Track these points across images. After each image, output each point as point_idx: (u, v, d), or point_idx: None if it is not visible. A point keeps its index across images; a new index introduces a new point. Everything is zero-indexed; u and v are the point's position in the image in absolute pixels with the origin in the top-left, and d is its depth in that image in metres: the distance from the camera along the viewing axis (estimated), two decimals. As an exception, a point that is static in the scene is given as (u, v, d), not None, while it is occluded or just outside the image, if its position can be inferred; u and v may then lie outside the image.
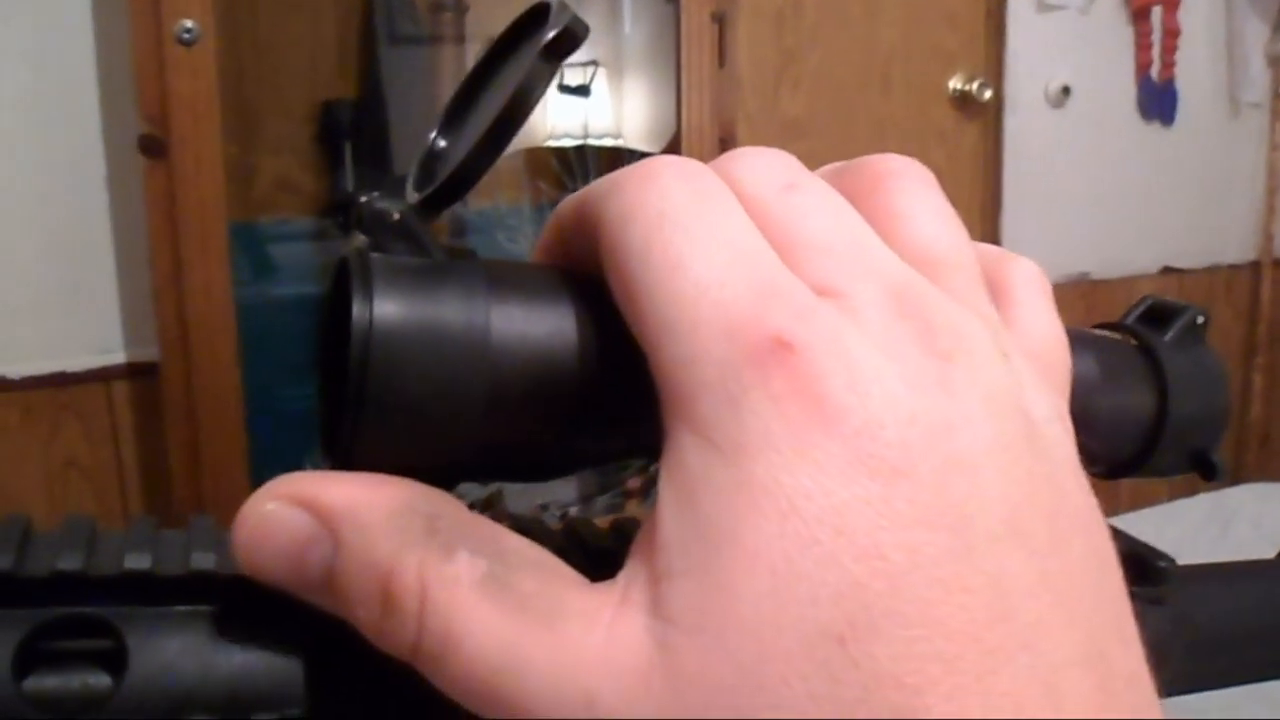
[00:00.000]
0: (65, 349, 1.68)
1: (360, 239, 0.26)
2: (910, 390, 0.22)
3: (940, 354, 0.23)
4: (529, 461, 0.27)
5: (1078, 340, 0.30)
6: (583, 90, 1.98)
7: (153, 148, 1.41)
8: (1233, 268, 2.78)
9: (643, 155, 1.86)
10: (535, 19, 0.27)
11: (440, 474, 0.25)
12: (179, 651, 0.25)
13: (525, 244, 1.95)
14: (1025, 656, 0.21)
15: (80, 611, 0.25)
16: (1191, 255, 2.71)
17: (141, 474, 1.72)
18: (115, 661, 0.25)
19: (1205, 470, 0.36)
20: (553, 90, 1.99)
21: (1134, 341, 0.36)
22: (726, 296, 0.23)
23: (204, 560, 0.26)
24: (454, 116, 0.29)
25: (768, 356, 0.22)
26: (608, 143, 2.01)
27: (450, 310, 0.25)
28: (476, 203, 1.99)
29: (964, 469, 0.22)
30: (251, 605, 0.26)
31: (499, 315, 0.25)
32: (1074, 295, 2.54)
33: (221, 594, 0.26)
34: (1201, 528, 1.69)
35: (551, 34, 0.25)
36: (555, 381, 0.26)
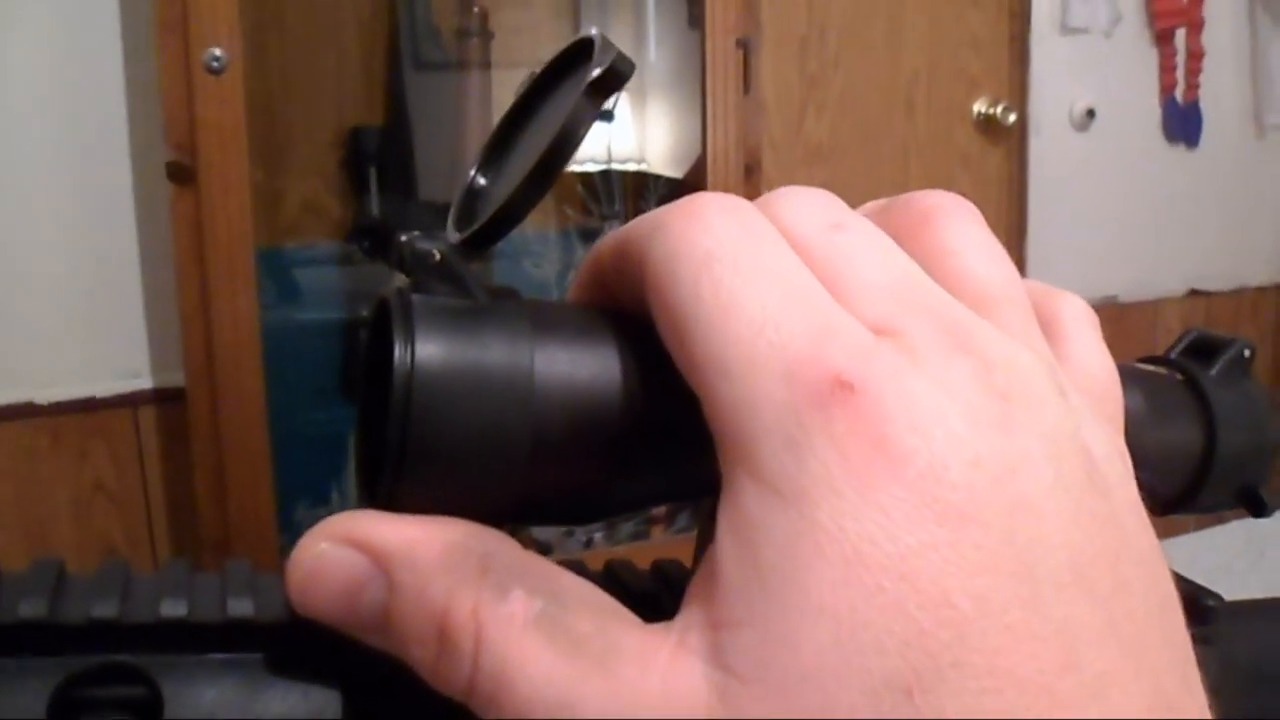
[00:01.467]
0: (93, 375, 1.69)
1: (401, 279, 0.25)
2: (972, 430, 0.22)
3: (999, 392, 0.23)
4: (574, 505, 0.27)
5: (1124, 375, 0.30)
6: (606, 115, 1.98)
7: (181, 175, 1.41)
8: (1259, 290, 2.77)
9: (667, 180, 1.85)
10: (577, 55, 0.27)
11: (484, 517, 0.25)
12: (216, 701, 0.25)
13: (550, 270, 1.96)
14: (1095, 708, 0.21)
15: (115, 660, 0.25)
16: (1217, 278, 2.70)
17: (167, 499, 1.73)
18: (151, 710, 0.25)
19: (1254, 506, 0.36)
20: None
21: (1180, 376, 0.35)
22: (783, 337, 0.23)
23: (240, 607, 0.26)
24: (494, 153, 0.28)
25: (828, 397, 0.22)
26: (631, 167, 2.01)
27: (493, 353, 0.24)
28: (501, 228, 1.99)
29: (1028, 512, 0.22)
30: (290, 653, 0.26)
31: (543, 358, 0.25)
32: (1101, 318, 2.49)
33: (259, 642, 0.26)
34: (1237, 556, 1.67)
35: (597, 72, 0.25)
36: (600, 425, 0.25)
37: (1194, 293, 2.68)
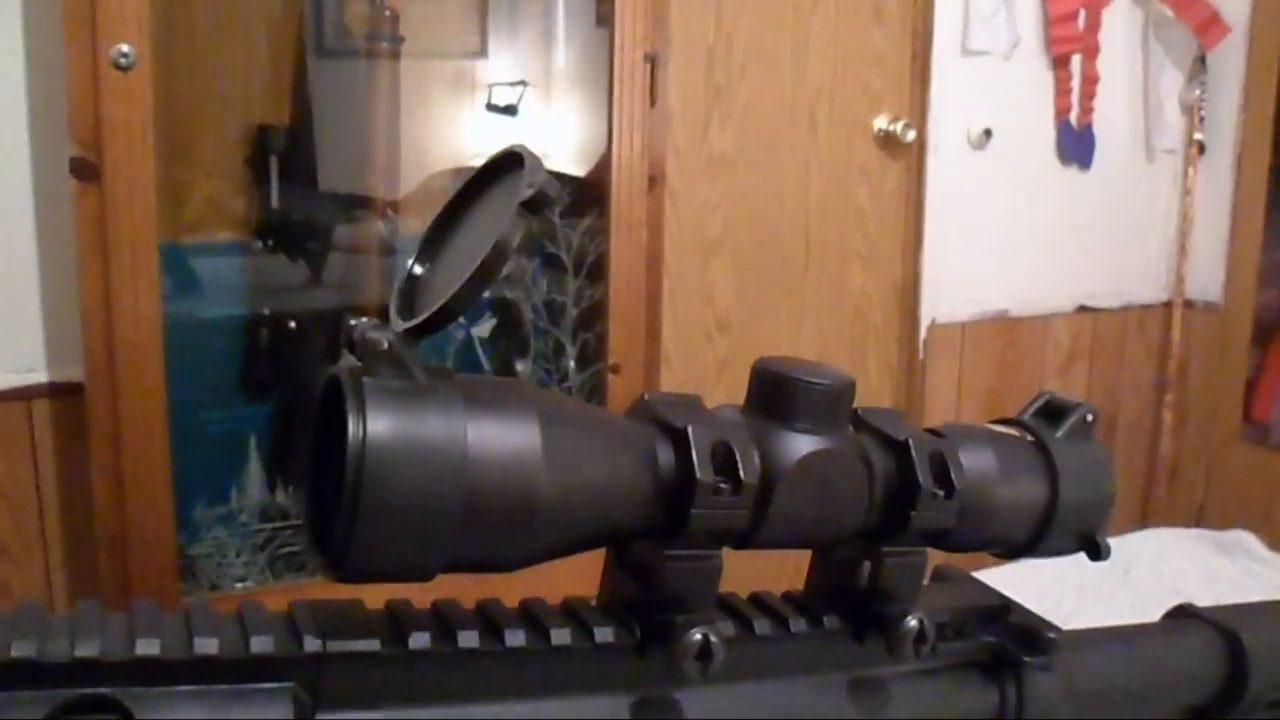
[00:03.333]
0: (-14, 367, 1.67)
1: (350, 359, 0.29)
2: None
3: None
4: (497, 556, 0.30)
5: (978, 436, 0.33)
6: (510, 110, 2.00)
7: (85, 171, 1.40)
8: (1145, 307, 2.87)
9: (570, 178, 1.86)
10: (507, 163, 0.31)
11: (423, 568, 0.29)
12: None
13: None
14: None
15: (94, 693, 0.28)
16: (1106, 295, 2.79)
17: (61, 496, 1.71)
18: None
19: (1092, 551, 0.39)
20: (479, 109, 2.01)
21: (1029, 437, 0.38)
22: None
23: (207, 645, 0.29)
24: (430, 246, 0.32)
25: None
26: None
27: (432, 428, 0.28)
28: (407, 227, 2.00)
29: None
30: (250, 685, 0.29)
31: (474, 431, 0.29)
32: (992, 332, 2.60)
33: (223, 675, 0.29)
34: (1104, 573, 1.75)
35: (529, 193, 0.29)
36: (524, 488, 0.29)
37: (1083, 309, 2.76)
